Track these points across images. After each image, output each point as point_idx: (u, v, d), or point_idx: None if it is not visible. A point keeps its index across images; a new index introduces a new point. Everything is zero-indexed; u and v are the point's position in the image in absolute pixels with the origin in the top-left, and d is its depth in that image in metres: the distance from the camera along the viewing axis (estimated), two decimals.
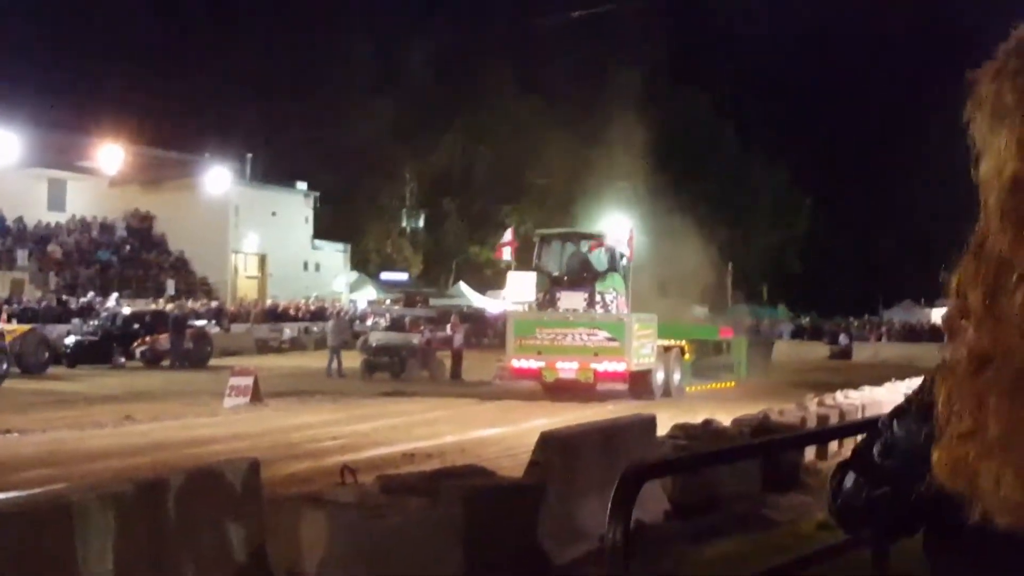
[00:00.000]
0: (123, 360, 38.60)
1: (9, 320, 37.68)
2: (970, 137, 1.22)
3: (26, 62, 63.53)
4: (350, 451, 16.91)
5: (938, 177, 55.47)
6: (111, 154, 55.62)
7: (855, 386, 22.61)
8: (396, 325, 39.75)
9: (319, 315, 57.41)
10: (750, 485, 11.81)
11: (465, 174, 79.17)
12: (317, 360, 39.84)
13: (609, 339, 28.64)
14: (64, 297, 48.86)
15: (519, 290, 35.33)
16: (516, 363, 29.38)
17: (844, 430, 8.70)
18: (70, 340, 39.01)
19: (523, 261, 35.08)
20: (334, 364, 35.90)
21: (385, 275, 75.96)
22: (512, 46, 71.37)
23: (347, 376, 34.55)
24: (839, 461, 1.55)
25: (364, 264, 77.04)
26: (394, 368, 34.79)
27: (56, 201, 60.53)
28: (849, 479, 1.49)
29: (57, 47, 69.38)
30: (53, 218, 59.16)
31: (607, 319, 29.62)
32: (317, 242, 71.10)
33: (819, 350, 57.74)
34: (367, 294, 70.04)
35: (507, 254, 34.99)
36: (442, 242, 79.90)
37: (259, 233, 64.90)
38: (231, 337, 48.39)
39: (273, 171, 68.41)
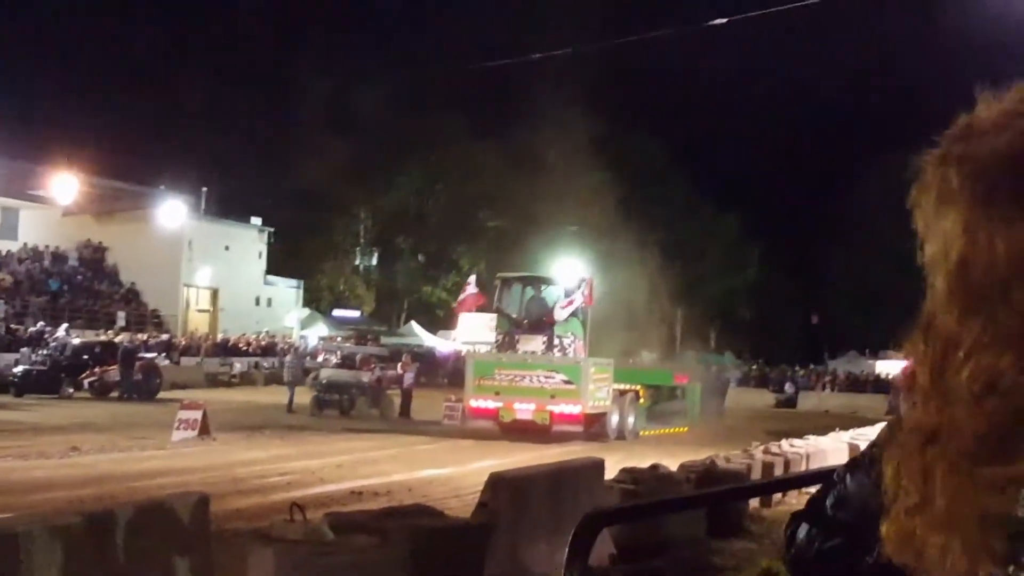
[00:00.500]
0: (71, 391, 38.10)
1: None
2: (915, 221, 1.25)
3: None
4: (298, 487, 16.90)
5: (885, 235, 56.39)
6: (65, 184, 55.02)
7: (800, 435, 22.85)
8: (347, 362, 39.52)
9: (269, 350, 57.18)
10: (695, 530, 11.87)
11: (419, 213, 79.25)
12: (267, 395, 39.57)
13: (566, 382, 28.86)
14: (13, 326, 48.32)
15: (470, 331, 35.37)
16: (474, 403, 29.50)
17: (792, 482, 8.80)
18: (18, 369, 38.56)
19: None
20: (294, 399, 35.73)
21: (337, 312, 75.72)
22: (467, 88, 71.66)
23: (296, 411, 34.40)
24: (794, 511, 1.57)
25: (316, 300, 76.82)
26: (344, 405, 34.68)
27: (8, 229, 59.99)
28: (802, 530, 1.51)
29: (12, 76, 69.18)
30: (4, 246, 58.59)
31: (564, 362, 29.85)
32: (270, 277, 70.79)
33: (765, 398, 58.20)
34: (319, 330, 69.67)
35: (468, 310, 35.22)
36: (395, 280, 79.73)
37: (212, 267, 64.45)
38: (181, 370, 47.95)
39: (227, 205, 68.11)
